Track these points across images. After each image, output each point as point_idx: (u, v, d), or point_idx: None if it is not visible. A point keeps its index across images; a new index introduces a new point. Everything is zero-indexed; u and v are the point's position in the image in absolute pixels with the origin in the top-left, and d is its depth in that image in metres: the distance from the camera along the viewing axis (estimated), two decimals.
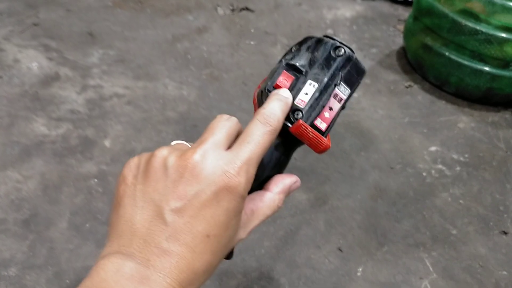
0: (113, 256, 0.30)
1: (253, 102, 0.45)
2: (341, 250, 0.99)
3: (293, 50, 0.44)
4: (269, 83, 0.43)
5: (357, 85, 0.44)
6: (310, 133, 0.40)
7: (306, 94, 0.41)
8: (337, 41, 0.42)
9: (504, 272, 1.02)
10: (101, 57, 1.44)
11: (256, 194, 0.38)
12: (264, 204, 0.38)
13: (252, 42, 1.64)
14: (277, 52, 1.61)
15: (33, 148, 1.11)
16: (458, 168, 1.27)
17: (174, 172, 0.32)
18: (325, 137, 0.42)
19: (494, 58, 1.38)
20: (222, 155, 0.33)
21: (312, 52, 0.43)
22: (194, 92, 1.36)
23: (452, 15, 1.40)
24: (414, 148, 1.31)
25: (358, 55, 1.48)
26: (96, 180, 1.05)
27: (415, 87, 1.56)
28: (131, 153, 1.12)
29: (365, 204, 1.11)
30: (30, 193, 1.00)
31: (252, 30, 1.71)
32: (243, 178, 0.32)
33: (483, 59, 1.40)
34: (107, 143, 1.14)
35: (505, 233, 1.11)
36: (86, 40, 1.50)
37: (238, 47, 1.60)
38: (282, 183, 0.39)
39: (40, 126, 1.16)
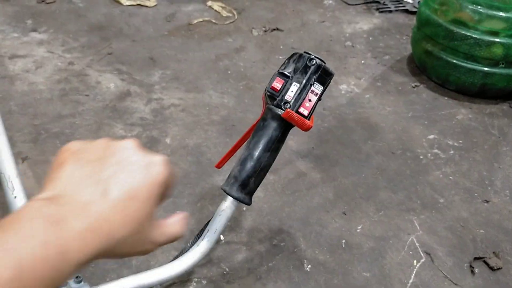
0: (42, 198, 0.30)
1: (262, 99, 0.71)
2: (345, 214, 1.28)
3: (285, 63, 0.70)
4: (268, 86, 0.70)
5: (328, 83, 0.69)
6: (296, 117, 0.64)
7: (292, 91, 0.66)
8: (311, 55, 0.67)
9: (481, 231, 1.27)
10: (160, 76, 1.82)
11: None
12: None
13: (280, 57, 1.97)
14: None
15: None
16: (451, 152, 1.52)
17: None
18: (309, 119, 0.66)
19: (484, 58, 1.63)
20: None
21: (296, 63, 0.68)
22: (233, 100, 1.70)
23: (446, 24, 1.66)
24: (415, 136, 1.57)
25: (372, 62, 1.83)
26: None
27: (421, 86, 1.82)
28: (186, 147, 1.48)
29: (367, 181, 1.39)
30: None
31: (281, 47, 2.05)
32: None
33: (476, 60, 1.64)
34: (168, 140, 1.51)
35: (487, 201, 1.36)
36: (148, 64, 1.90)
37: (269, 62, 1.93)
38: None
39: (119, 130, 1.55)
